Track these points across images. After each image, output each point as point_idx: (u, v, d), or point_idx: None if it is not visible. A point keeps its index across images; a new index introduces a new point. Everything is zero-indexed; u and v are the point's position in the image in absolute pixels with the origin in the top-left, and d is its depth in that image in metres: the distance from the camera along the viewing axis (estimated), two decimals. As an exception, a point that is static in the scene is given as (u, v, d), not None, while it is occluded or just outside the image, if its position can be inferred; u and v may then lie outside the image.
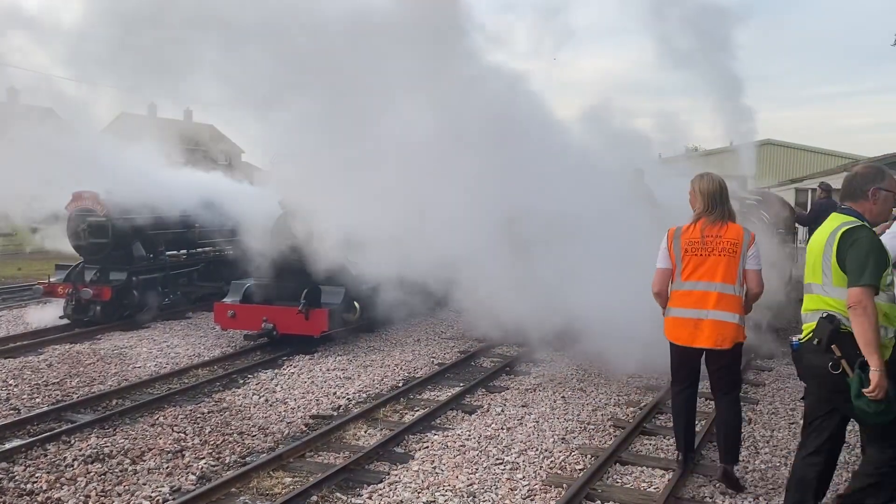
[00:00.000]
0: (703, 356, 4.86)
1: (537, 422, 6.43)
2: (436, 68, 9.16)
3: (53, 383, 7.59)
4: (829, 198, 12.89)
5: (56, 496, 4.89)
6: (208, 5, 8.78)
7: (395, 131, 8.86)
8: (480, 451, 5.72)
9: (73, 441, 5.89)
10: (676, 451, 5.23)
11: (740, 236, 4.69)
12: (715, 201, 4.74)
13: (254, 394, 7.33)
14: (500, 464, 5.48)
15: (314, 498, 4.93)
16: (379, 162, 8.79)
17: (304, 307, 8.74)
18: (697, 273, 4.71)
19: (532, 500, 4.90)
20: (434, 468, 5.39)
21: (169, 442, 5.90)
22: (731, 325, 4.64)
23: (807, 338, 3.75)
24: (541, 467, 5.42)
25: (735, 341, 4.67)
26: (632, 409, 6.86)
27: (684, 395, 5.04)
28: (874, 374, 3.39)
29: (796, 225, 13.04)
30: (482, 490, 5.01)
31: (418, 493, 4.97)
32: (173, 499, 4.92)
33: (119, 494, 4.95)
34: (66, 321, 10.56)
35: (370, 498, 4.93)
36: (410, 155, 8.84)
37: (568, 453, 5.71)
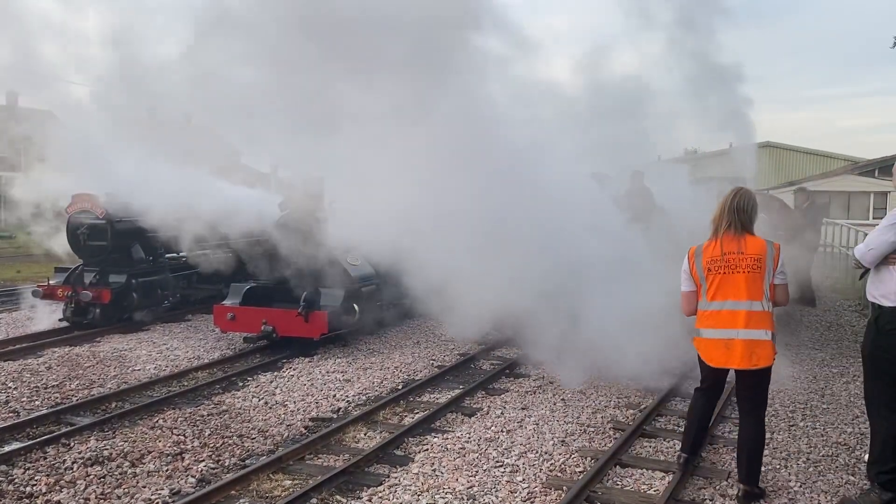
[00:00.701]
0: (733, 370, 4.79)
1: (537, 424, 6.43)
2: (435, 72, 9.16)
3: (53, 386, 7.59)
4: (813, 203, 13.22)
5: (55, 499, 4.89)
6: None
7: (396, 133, 8.85)
8: (480, 454, 5.72)
9: (72, 444, 5.88)
10: (680, 452, 5.20)
11: (763, 250, 4.59)
12: (728, 214, 4.66)
13: (253, 396, 7.32)
14: (500, 466, 5.48)
15: (314, 500, 4.93)
16: (380, 164, 8.79)
17: (303, 309, 8.74)
18: (722, 292, 4.63)
19: (532, 502, 4.90)
20: (434, 471, 5.39)
21: (168, 444, 5.89)
22: (765, 342, 4.56)
23: None
24: (541, 470, 5.42)
25: (769, 359, 4.59)
26: (632, 411, 6.86)
27: (704, 398, 5.04)
28: None
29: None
30: (482, 493, 5.01)
31: (418, 495, 4.97)
32: (173, 501, 4.92)
33: (119, 497, 4.95)
34: (65, 324, 10.55)
35: (370, 500, 4.92)
36: (412, 158, 8.84)
37: (568, 456, 5.71)
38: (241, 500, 4.97)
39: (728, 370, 4.81)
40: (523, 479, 5.24)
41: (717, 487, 5.11)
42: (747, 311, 4.56)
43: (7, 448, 5.79)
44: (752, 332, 4.55)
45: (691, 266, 4.77)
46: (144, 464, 5.51)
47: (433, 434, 6.26)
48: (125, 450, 5.73)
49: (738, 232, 4.63)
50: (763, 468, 5.40)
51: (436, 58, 8.89)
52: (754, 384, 4.72)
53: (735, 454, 5.15)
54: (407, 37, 8.57)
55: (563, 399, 7.20)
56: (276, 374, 8.20)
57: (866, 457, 5.26)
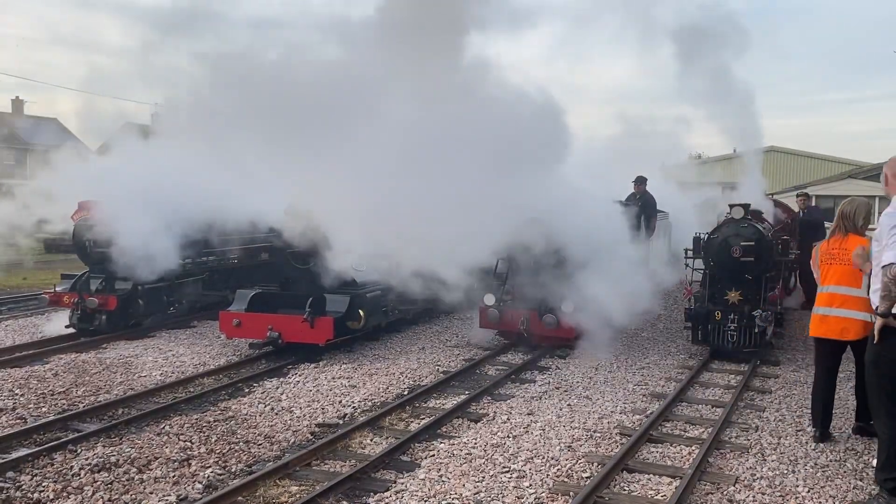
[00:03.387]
0: (848, 347, 5.88)
1: (543, 430, 6.42)
2: (434, 71, 9.15)
3: (59, 392, 7.60)
4: (816, 207, 13.42)
5: (63, 505, 4.90)
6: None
7: (396, 136, 8.87)
8: (487, 460, 5.71)
9: (79, 450, 5.89)
10: (812, 429, 6.16)
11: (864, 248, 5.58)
12: (836, 219, 5.82)
13: (259, 402, 7.33)
14: (507, 472, 5.47)
15: (321, 506, 4.92)
16: (381, 166, 8.81)
17: (309, 315, 8.75)
18: (827, 278, 5.86)
19: (539, 508, 4.89)
20: (440, 476, 5.38)
21: (175, 451, 5.90)
22: (855, 320, 5.63)
23: None
24: (547, 475, 5.42)
25: (859, 334, 5.54)
26: (638, 416, 6.84)
27: (824, 374, 6.01)
28: None
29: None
30: (489, 498, 5.01)
31: (425, 501, 4.97)
32: (180, 508, 4.92)
33: (126, 503, 4.96)
34: (71, 330, 10.57)
35: (377, 506, 4.92)
36: (412, 160, 8.86)
37: (574, 461, 5.70)
38: (248, 506, 4.98)
39: (835, 349, 5.92)
40: (530, 485, 5.23)
41: (725, 493, 5.10)
42: (843, 295, 5.71)
43: (14, 455, 5.80)
44: (845, 311, 5.69)
45: (814, 258, 6.04)
46: (151, 470, 5.52)
47: (439, 440, 6.26)
48: (132, 456, 5.74)
49: (844, 233, 5.77)
50: (771, 473, 5.43)
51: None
52: (859, 351, 5.60)
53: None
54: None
55: (569, 404, 7.19)
56: (282, 379, 8.20)
57: (875, 462, 5.25)
